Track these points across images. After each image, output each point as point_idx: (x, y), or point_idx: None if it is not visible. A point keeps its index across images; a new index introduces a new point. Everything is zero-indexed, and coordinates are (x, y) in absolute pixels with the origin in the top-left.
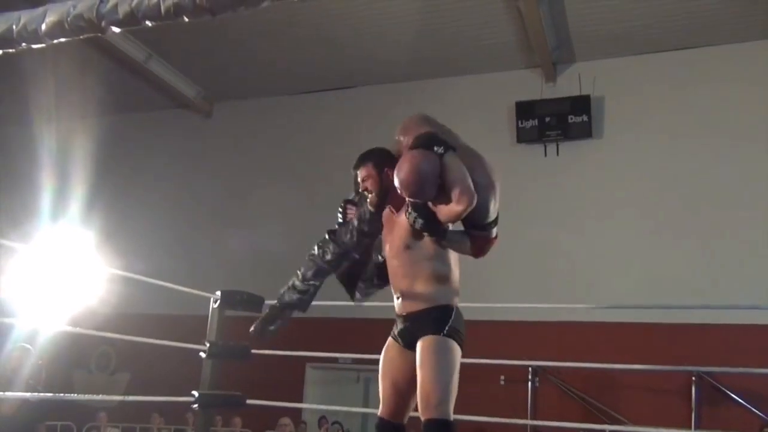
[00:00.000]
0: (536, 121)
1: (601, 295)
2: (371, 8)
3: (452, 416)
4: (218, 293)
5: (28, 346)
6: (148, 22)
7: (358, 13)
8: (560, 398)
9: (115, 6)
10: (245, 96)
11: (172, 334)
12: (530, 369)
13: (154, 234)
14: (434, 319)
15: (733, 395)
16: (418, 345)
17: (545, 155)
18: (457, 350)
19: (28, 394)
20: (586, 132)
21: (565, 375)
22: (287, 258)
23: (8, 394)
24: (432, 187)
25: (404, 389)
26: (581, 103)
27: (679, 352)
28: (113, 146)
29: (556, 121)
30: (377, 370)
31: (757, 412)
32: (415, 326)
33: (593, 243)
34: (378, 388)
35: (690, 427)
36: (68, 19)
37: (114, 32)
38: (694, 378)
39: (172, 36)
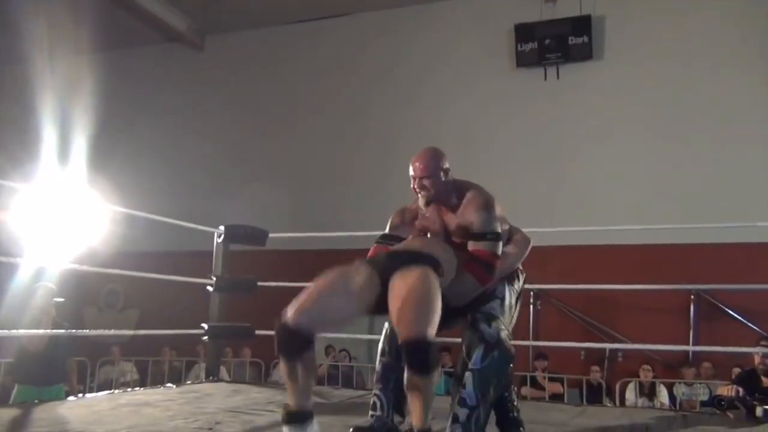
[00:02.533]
0: (536, 43)
1: (601, 218)
2: None
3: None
4: (222, 228)
5: (51, 284)
6: None
7: None
8: (561, 320)
9: None
10: (237, 28)
11: (178, 271)
12: (531, 292)
13: (155, 170)
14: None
15: (730, 311)
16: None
17: (545, 78)
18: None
19: (56, 331)
20: (586, 54)
21: (566, 297)
22: (287, 191)
23: (39, 331)
24: None
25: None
26: (582, 24)
27: (678, 270)
28: (107, 82)
29: (556, 44)
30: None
31: (753, 326)
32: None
33: (594, 165)
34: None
35: (688, 344)
36: None
37: None
38: (692, 296)
39: None
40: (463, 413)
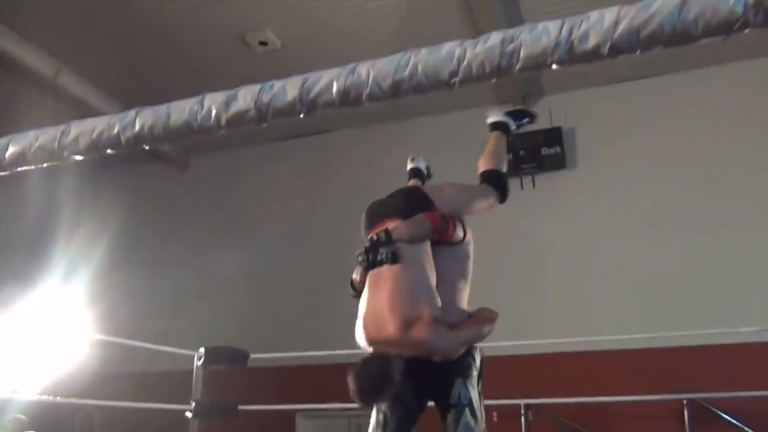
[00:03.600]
0: (510, 155)
1: (587, 323)
2: (343, 55)
3: None
4: (202, 350)
5: (22, 416)
6: (109, 151)
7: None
8: (554, 431)
9: (77, 138)
10: (221, 147)
11: (157, 392)
12: (522, 404)
13: (135, 293)
14: None
15: (725, 416)
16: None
17: (522, 188)
18: None
19: None
20: (560, 163)
21: (558, 407)
22: (270, 312)
23: None
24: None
25: None
26: (553, 135)
27: (670, 375)
28: (88, 202)
29: (530, 155)
30: (368, 416)
31: (749, 430)
32: None
33: (575, 271)
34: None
35: None
36: (31, 150)
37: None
38: (685, 401)
39: (141, 91)
40: None
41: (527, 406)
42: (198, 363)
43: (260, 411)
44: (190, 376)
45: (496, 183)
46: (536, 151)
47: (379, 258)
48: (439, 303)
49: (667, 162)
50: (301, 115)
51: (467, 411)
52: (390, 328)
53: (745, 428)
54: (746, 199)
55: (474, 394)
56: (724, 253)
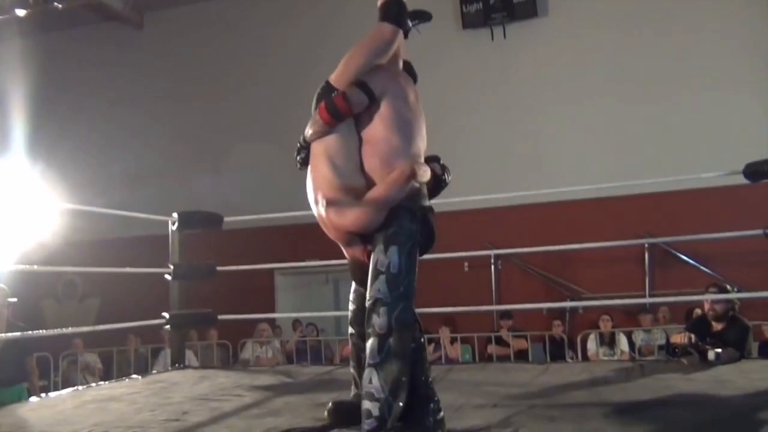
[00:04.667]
0: (480, 4)
1: (554, 174)
2: None
3: None
4: (175, 215)
5: (2, 285)
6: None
7: None
8: (522, 278)
9: None
10: (175, 3)
11: (135, 255)
12: (492, 255)
13: (103, 156)
14: None
15: (682, 257)
16: None
17: (492, 39)
18: None
19: (11, 334)
20: (531, 11)
21: (526, 255)
22: (240, 170)
23: None
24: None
25: None
26: None
27: (633, 220)
28: (45, 67)
29: (500, 3)
30: (346, 270)
31: (705, 269)
32: None
33: (545, 123)
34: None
35: (644, 290)
36: None
37: None
38: (646, 245)
39: None
40: (374, 407)
41: (497, 256)
42: (173, 227)
43: (239, 272)
44: (165, 240)
45: (385, 14)
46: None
47: (298, 163)
48: (339, 181)
49: (642, 9)
50: None
51: (382, 278)
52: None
53: (701, 267)
54: (715, 59)
55: (395, 259)
56: (686, 108)
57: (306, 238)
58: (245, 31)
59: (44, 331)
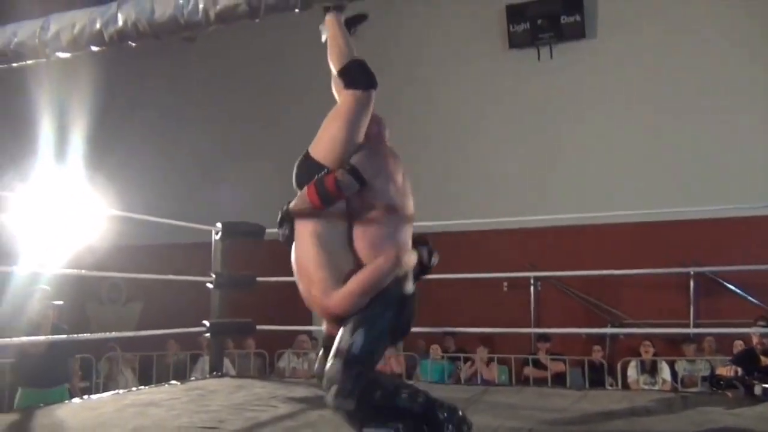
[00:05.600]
0: (528, 24)
1: (598, 196)
2: None
3: None
4: (219, 225)
5: (47, 287)
6: (94, 48)
7: None
8: (562, 300)
9: (57, 34)
10: None
11: (179, 262)
12: (531, 277)
13: (151, 165)
14: None
15: (729, 286)
16: None
17: (539, 59)
18: None
19: (55, 336)
20: (579, 32)
21: (566, 278)
22: (284, 184)
23: (38, 338)
24: None
25: None
26: (573, 3)
27: (677, 247)
28: (101, 76)
29: (548, 23)
30: None
31: (753, 300)
32: None
33: (590, 144)
34: None
35: (688, 318)
36: (10, 47)
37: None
38: (692, 273)
39: None
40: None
41: (537, 277)
42: (216, 237)
43: (278, 283)
44: (208, 248)
45: (350, 81)
46: (554, 20)
47: (281, 237)
48: (326, 261)
49: (690, 35)
50: (297, 10)
51: (339, 359)
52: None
53: (749, 297)
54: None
55: (359, 342)
56: (729, 135)
57: None
58: (294, 49)
59: (87, 335)
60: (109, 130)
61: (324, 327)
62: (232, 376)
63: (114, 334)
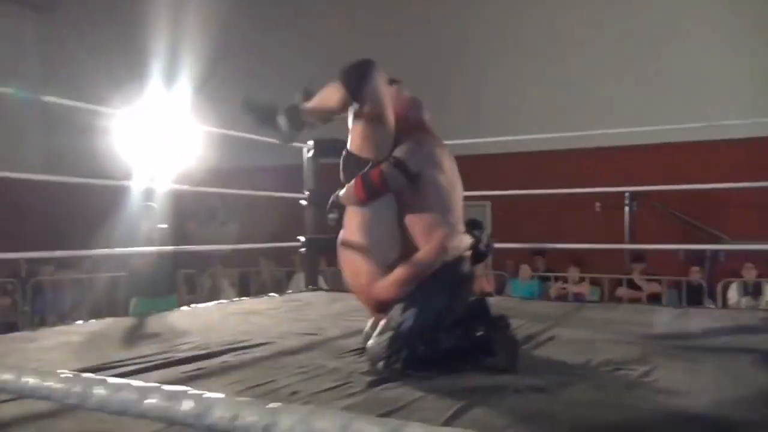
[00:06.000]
0: None
1: (706, 110)
2: None
3: None
4: (311, 143)
5: (153, 203)
6: None
7: None
8: (659, 221)
9: None
10: None
11: (274, 184)
12: (627, 193)
13: (247, 85)
14: None
15: None
16: None
17: None
18: None
19: (165, 248)
20: None
21: (664, 197)
22: None
23: (150, 248)
24: None
25: None
26: None
27: None
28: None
29: None
30: (470, 205)
31: None
32: None
33: (697, 55)
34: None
35: None
36: None
37: None
38: None
39: None
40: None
41: (632, 196)
42: (308, 155)
43: None
44: (300, 171)
45: (356, 84)
46: None
47: (331, 222)
48: (374, 251)
49: None
50: None
51: (388, 334)
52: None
53: None
54: None
55: (409, 322)
56: None
57: None
58: None
59: (192, 247)
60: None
61: (369, 323)
62: (326, 290)
63: (215, 247)
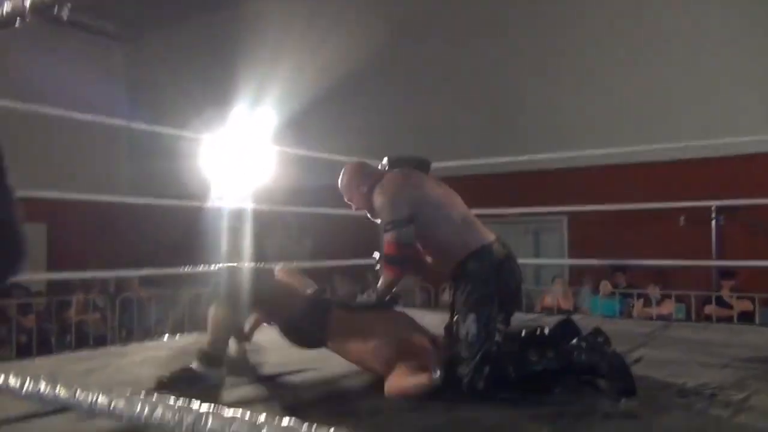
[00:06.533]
0: None
1: None
2: None
3: None
4: (385, 159)
5: (238, 225)
6: None
7: None
8: (749, 237)
9: None
10: None
11: (344, 203)
12: (713, 207)
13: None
14: None
15: None
16: None
17: None
18: None
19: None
20: None
21: (756, 211)
22: (450, 119)
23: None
24: None
25: None
26: None
27: None
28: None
29: None
30: (547, 221)
31: None
32: None
33: None
34: None
35: None
36: None
37: None
38: None
39: None
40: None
41: (719, 211)
42: None
43: None
44: None
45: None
46: None
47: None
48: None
49: None
50: None
51: (462, 345)
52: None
53: None
54: None
55: (473, 328)
56: None
57: (506, 189)
58: None
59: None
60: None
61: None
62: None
63: (295, 264)
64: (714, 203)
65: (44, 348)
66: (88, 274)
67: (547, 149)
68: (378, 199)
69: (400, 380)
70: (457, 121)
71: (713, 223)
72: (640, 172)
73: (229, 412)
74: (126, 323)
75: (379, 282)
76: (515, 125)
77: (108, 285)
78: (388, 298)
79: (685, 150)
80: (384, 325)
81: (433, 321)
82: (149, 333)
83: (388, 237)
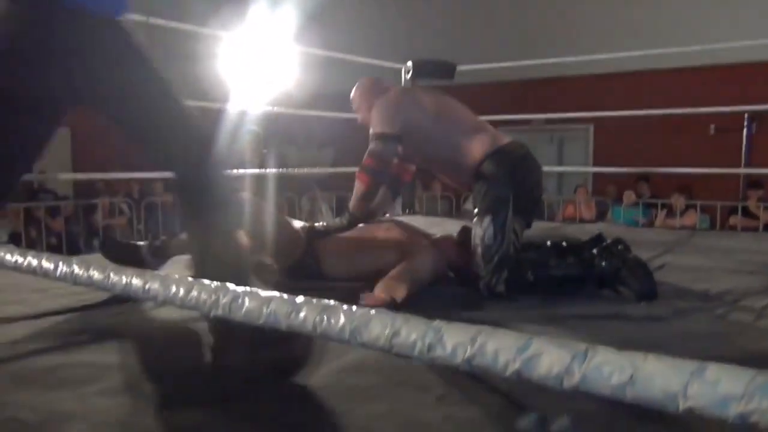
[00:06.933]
0: None
1: None
2: None
3: None
4: (409, 63)
5: (257, 128)
6: None
7: None
8: None
9: None
10: None
11: None
12: (746, 115)
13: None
14: None
15: None
16: None
17: None
18: None
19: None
20: None
21: None
22: (476, 18)
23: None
24: None
25: None
26: None
27: None
28: None
29: None
30: (572, 129)
31: None
32: None
33: None
34: None
35: None
36: None
37: None
38: None
39: None
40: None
41: (752, 117)
42: (406, 76)
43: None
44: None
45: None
46: None
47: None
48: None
49: None
50: None
51: (478, 251)
52: None
53: None
54: None
55: (489, 230)
56: None
57: (532, 96)
58: None
59: (294, 170)
60: None
61: None
62: (424, 215)
63: (315, 170)
64: (747, 108)
65: (73, 250)
66: (112, 175)
67: (574, 54)
68: (373, 114)
69: (379, 291)
70: (484, 25)
71: (744, 131)
72: (668, 78)
73: (266, 293)
74: (152, 228)
75: (353, 194)
76: (544, 30)
77: (132, 190)
78: (360, 215)
79: (713, 55)
80: (372, 233)
81: (454, 228)
82: (175, 237)
83: (370, 147)
